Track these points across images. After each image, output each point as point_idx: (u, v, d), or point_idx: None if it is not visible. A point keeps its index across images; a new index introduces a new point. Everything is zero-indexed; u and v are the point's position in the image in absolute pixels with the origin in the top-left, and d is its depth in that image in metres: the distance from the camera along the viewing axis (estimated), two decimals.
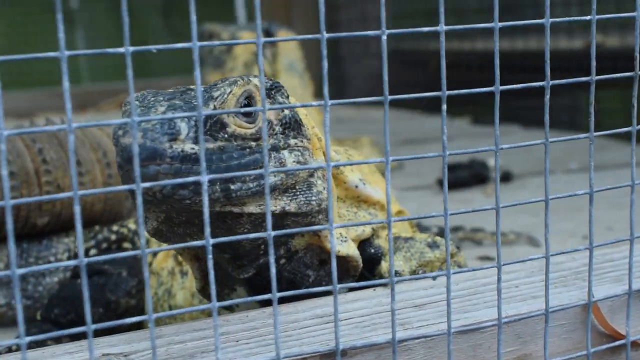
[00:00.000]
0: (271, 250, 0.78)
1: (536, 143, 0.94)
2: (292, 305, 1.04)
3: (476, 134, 3.43)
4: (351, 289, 1.11)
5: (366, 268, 1.16)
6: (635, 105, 0.95)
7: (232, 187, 0.92)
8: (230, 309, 1.15)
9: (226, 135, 0.93)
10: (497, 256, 0.88)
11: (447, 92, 0.86)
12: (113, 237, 1.51)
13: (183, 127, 0.90)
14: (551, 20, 0.90)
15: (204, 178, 0.75)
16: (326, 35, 0.81)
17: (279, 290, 1.03)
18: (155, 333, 0.96)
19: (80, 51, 0.75)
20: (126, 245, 1.50)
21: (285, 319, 0.99)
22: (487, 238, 1.88)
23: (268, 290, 1.05)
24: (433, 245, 1.21)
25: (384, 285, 1.08)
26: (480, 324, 0.94)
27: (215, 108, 0.94)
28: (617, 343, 0.99)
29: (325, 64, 0.79)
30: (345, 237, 1.10)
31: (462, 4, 4.45)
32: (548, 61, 0.89)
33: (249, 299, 0.83)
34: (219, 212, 0.94)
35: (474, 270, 0.91)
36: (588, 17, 0.92)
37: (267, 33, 2.73)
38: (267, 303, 1.06)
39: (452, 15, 4.48)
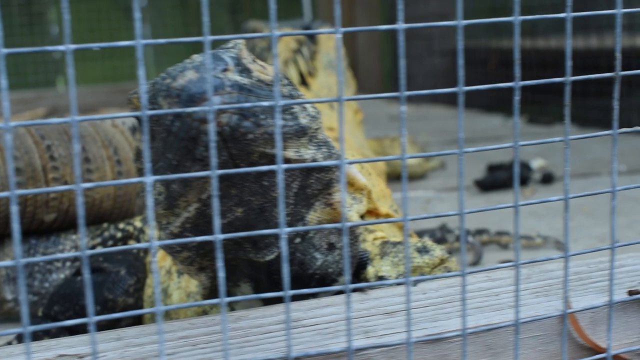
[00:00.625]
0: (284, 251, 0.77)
1: (555, 140, 0.91)
2: (261, 309, 1.01)
3: (530, 134, 3.36)
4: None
5: (352, 272, 1.14)
6: (617, 107, 0.90)
7: (280, 122, 0.92)
8: (231, 309, 1.14)
9: (253, 80, 0.93)
10: (462, 264, 0.84)
11: (464, 88, 0.84)
12: (119, 234, 1.51)
13: (229, 60, 0.92)
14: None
15: (277, 103, 0.76)
16: (342, 29, 0.79)
17: (292, 273, 1.04)
18: (117, 334, 0.96)
19: (83, 45, 0.74)
20: (131, 242, 1.49)
21: (250, 323, 0.97)
22: (512, 241, 1.83)
23: (273, 287, 1.04)
24: (422, 250, 1.17)
25: (361, 290, 1.06)
26: (444, 334, 0.90)
27: (237, 56, 0.95)
28: (597, 357, 0.94)
29: (341, 63, 0.76)
30: (350, 207, 1.11)
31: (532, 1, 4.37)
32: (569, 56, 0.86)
33: (250, 296, 0.82)
34: (266, 155, 0.93)
35: (436, 277, 0.88)
36: (562, 15, 0.88)
37: (307, 29, 2.71)
38: (271, 302, 1.05)
39: (522, 12, 4.40)
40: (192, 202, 0.95)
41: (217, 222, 0.78)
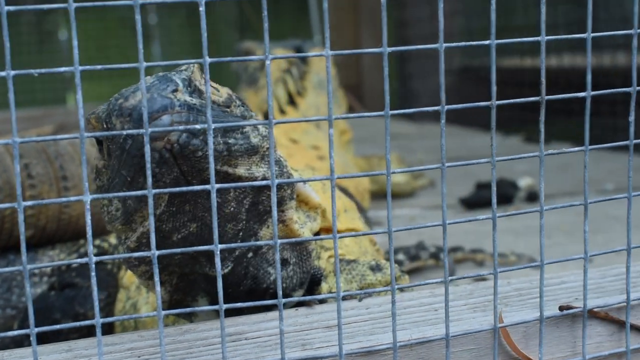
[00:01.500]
0: (277, 257, 0.81)
1: (530, 155, 0.96)
2: (209, 323, 1.06)
3: (525, 152, 3.38)
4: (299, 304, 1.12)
5: (306, 289, 1.17)
6: (542, 129, 0.95)
7: (230, 140, 0.97)
8: (189, 320, 1.17)
9: (203, 100, 0.97)
10: (392, 279, 0.88)
11: (446, 107, 0.89)
12: (95, 251, 1.55)
13: (179, 81, 0.96)
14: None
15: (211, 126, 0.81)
16: (331, 52, 0.84)
17: (244, 287, 1.09)
18: (68, 346, 1.00)
19: (90, 66, 0.79)
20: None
21: (196, 336, 1.01)
22: (487, 259, 1.86)
23: (228, 301, 1.08)
24: (376, 269, 1.21)
25: (308, 304, 1.10)
26: (376, 347, 0.94)
27: (188, 77, 0.99)
28: None
29: (330, 84, 0.81)
30: (303, 224, 1.13)
31: (534, 19, 4.40)
32: (544, 78, 0.90)
33: (189, 309, 0.89)
34: (217, 172, 0.97)
35: (367, 292, 0.91)
36: (538, 38, 0.92)
37: (299, 50, 2.76)
38: (229, 313, 1.09)
39: (523, 31, 4.45)
40: (147, 217, 0.99)
41: (152, 238, 0.82)
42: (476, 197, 2.46)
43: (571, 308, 1.00)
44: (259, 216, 1.05)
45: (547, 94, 0.92)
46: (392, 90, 5.62)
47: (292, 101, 2.40)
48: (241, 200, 1.02)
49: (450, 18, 5.08)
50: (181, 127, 0.90)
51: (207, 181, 0.95)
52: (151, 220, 0.81)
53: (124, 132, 0.81)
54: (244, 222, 1.04)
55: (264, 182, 0.84)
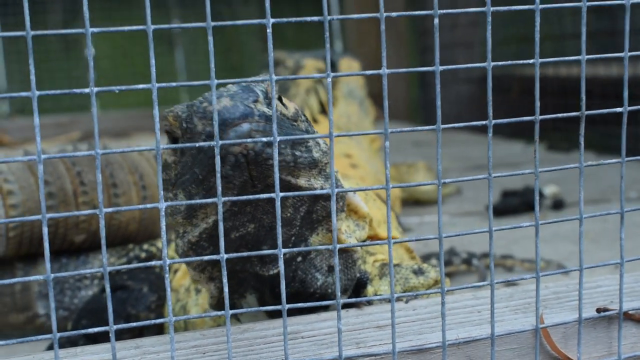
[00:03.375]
0: (336, 260, 0.88)
1: (571, 167, 1.02)
2: (266, 322, 1.13)
3: (549, 160, 3.44)
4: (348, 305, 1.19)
5: (352, 291, 1.24)
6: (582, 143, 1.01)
7: (296, 153, 1.05)
8: (237, 319, 1.24)
9: (277, 113, 1.06)
10: (442, 281, 0.95)
11: (494, 121, 0.95)
12: (143, 254, 1.62)
13: (259, 92, 1.04)
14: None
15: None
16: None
17: (291, 290, 1.15)
18: (135, 344, 1.07)
19: (106, 87, 0.85)
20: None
21: (255, 334, 1.08)
22: (516, 264, 1.92)
23: (275, 299, 1.15)
24: (418, 272, 1.28)
25: (357, 306, 1.17)
26: (426, 345, 1.01)
27: (265, 90, 1.06)
28: None
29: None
30: (352, 233, 1.20)
31: (558, 29, 4.45)
32: (583, 88, 0.96)
33: (255, 309, 0.97)
34: (281, 181, 1.03)
35: (419, 294, 0.98)
36: (579, 57, 0.98)
37: (331, 61, 2.82)
38: (276, 313, 1.16)
39: (548, 41, 4.50)
40: (211, 215, 1.07)
41: (222, 243, 0.89)
42: (503, 204, 2.53)
43: (607, 310, 1.07)
44: (311, 224, 1.12)
45: (569, 102, 0.98)
46: (414, 97, 5.66)
47: (323, 110, 2.46)
48: (298, 207, 1.09)
49: (472, 28, 5.13)
50: (263, 139, 0.97)
51: (270, 187, 1.02)
52: (220, 227, 0.88)
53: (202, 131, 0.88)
54: (297, 228, 1.11)
55: (324, 191, 0.90)
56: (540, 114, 0.96)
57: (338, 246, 0.92)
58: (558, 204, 2.56)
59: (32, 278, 0.85)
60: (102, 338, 1.43)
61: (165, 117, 1.10)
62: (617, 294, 1.15)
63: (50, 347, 1.52)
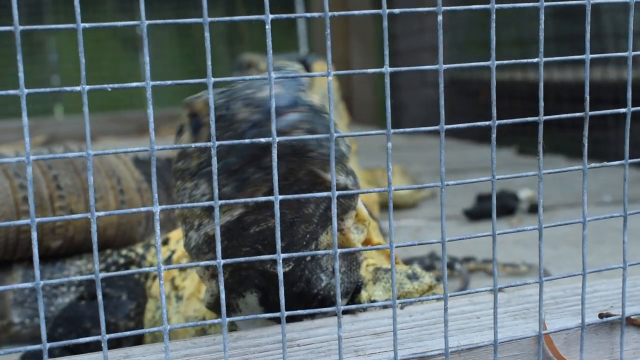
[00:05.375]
0: (337, 265, 0.84)
1: (575, 169, 0.99)
2: (258, 330, 1.09)
3: (520, 164, 3.44)
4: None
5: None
6: (586, 143, 0.98)
7: (336, 147, 0.99)
8: (232, 322, 1.20)
9: (318, 103, 1.00)
10: (444, 287, 0.92)
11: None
12: (121, 260, 1.58)
13: (304, 81, 0.99)
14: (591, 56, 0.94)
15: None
16: (390, 69, 0.86)
17: (296, 289, 1.12)
18: (125, 353, 1.03)
19: (98, 86, 0.81)
20: (133, 268, 1.57)
21: (249, 342, 1.04)
22: (498, 269, 1.90)
23: (277, 302, 1.11)
24: (412, 277, 1.25)
25: (352, 312, 1.14)
26: (428, 353, 0.98)
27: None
28: None
29: (332, 104, 0.83)
30: (355, 232, 1.16)
31: (525, 33, 4.46)
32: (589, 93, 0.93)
33: (252, 316, 0.93)
34: (310, 172, 1.00)
35: (420, 300, 0.95)
36: (583, 57, 0.96)
37: (303, 63, 2.79)
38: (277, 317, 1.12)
39: (510, 46, 4.51)
40: (237, 207, 1.01)
41: (218, 248, 0.85)
42: (479, 208, 2.51)
43: (610, 315, 1.04)
44: (325, 221, 1.08)
45: (533, 105, 0.95)
46: (381, 101, 5.66)
47: None
48: (319, 203, 1.05)
49: (437, 33, 5.12)
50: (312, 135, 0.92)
51: (299, 180, 0.98)
52: (217, 232, 0.84)
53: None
54: (314, 225, 1.07)
55: (323, 194, 0.87)
56: (509, 118, 0.93)
57: (339, 251, 0.89)
58: (534, 208, 2.55)
59: (21, 285, 0.81)
60: (81, 347, 1.38)
61: (190, 104, 1.05)
62: (615, 298, 1.13)
63: (24, 357, 1.47)
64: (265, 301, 1.13)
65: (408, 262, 1.87)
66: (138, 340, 1.45)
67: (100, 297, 0.82)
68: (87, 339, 0.85)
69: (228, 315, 1.19)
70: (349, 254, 1.17)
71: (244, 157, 0.96)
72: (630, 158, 1.00)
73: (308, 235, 1.07)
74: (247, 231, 1.03)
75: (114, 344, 1.37)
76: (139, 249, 1.59)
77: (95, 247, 0.81)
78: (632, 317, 1.06)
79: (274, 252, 1.06)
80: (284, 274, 1.08)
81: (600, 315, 1.05)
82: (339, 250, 0.89)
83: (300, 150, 0.96)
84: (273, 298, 1.11)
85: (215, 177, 0.83)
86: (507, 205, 2.53)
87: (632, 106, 0.99)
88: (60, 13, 6.01)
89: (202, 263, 0.88)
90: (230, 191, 0.99)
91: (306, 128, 0.95)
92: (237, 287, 1.13)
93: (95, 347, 1.35)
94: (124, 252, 1.60)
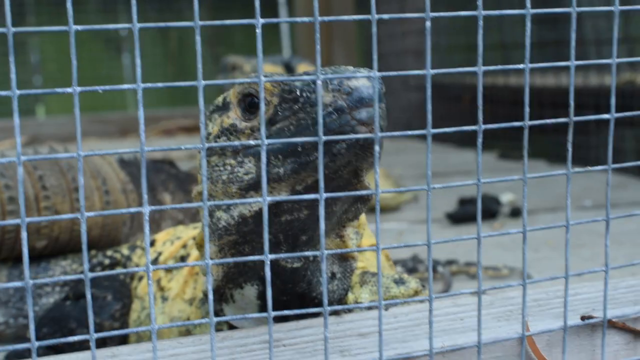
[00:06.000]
0: (324, 267, 0.85)
1: (559, 173, 1.00)
2: (245, 330, 1.10)
3: (501, 169, 3.46)
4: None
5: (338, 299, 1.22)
6: (570, 149, 1.00)
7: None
8: (222, 314, 1.20)
9: None
10: (429, 290, 0.93)
11: (484, 126, 0.92)
12: (107, 261, 1.58)
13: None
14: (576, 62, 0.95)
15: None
16: (378, 74, 0.87)
17: (298, 290, 1.12)
18: (112, 352, 1.04)
19: (90, 87, 0.82)
20: (118, 269, 1.57)
21: (235, 342, 1.05)
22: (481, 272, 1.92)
23: (280, 294, 1.12)
24: (399, 282, 1.26)
25: (338, 314, 1.15)
26: (413, 354, 0.99)
27: None
28: None
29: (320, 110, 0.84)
30: (354, 238, 1.16)
31: (508, 37, 4.48)
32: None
33: (240, 317, 0.95)
34: (354, 171, 1.02)
35: (405, 302, 0.96)
36: (568, 63, 0.97)
37: (287, 66, 2.80)
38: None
39: (492, 50, 4.54)
40: (282, 191, 1.01)
41: (207, 247, 0.86)
42: (461, 212, 2.53)
43: (592, 318, 1.06)
44: (336, 224, 1.10)
45: (519, 111, 0.96)
46: None
47: None
48: (344, 204, 1.06)
49: (422, 36, 5.14)
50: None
51: (341, 176, 1.00)
52: (206, 232, 0.85)
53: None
54: (332, 224, 1.09)
55: (313, 196, 0.87)
56: (490, 123, 0.95)
57: (325, 252, 0.90)
58: (515, 212, 2.57)
59: (10, 285, 0.81)
60: (66, 347, 1.38)
61: (249, 84, 1.04)
62: (597, 301, 1.15)
63: (8, 357, 1.47)
64: (264, 295, 1.13)
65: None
66: (123, 341, 1.45)
67: (89, 296, 0.82)
68: (75, 338, 0.85)
69: (219, 306, 1.19)
70: (345, 260, 1.18)
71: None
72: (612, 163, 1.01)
73: (326, 232, 1.06)
74: (279, 218, 1.03)
75: (99, 344, 1.37)
76: (125, 250, 1.60)
77: (84, 247, 0.81)
78: (613, 319, 1.08)
79: (294, 243, 1.07)
80: (292, 270, 1.09)
81: (582, 318, 1.06)
82: (326, 252, 0.90)
83: (368, 146, 0.97)
84: (274, 293, 1.10)
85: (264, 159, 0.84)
86: (490, 209, 2.55)
87: (618, 115, 1.00)
88: (43, 14, 6.00)
89: (190, 264, 0.89)
90: (283, 173, 0.99)
91: (380, 125, 0.96)
92: (238, 277, 1.14)
93: (80, 347, 1.35)
94: (109, 253, 1.60)
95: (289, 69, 2.77)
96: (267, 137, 1.00)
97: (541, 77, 4.08)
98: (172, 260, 1.43)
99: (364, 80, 0.96)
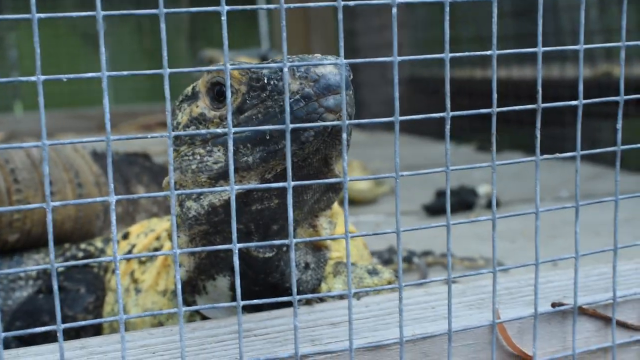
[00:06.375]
0: (292, 255, 0.84)
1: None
2: (216, 321, 1.09)
3: (478, 160, 3.46)
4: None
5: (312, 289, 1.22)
6: (538, 136, 1.00)
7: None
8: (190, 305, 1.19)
9: None
10: (399, 278, 0.93)
11: (451, 114, 0.92)
12: (80, 254, 1.57)
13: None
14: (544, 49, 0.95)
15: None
16: (345, 61, 0.86)
17: (271, 280, 1.12)
18: (81, 344, 1.03)
19: (53, 76, 0.81)
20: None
21: (206, 333, 1.04)
22: (456, 263, 1.92)
23: (253, 285, 1.11)
24: (372, 272, 1.25)
25: (310, 304, 1.15)
26: (383, 342, 0.99)
27: None
28: None
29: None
30: (327, 227, 1.16)
31: (485, 31, 4.49)
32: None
33: (209, 306, 0.93)
34: (323, 159, 1.01)
35: (375, 290, 0.95)
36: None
37: (264, 59, 2.80)
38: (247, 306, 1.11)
39: (473, 43, 4.54)
40: (251, 180, 1.00)
41: (174, 238, 0.85)
42: (438, 203, 2.53)
43: (562, 305, 1.06)
44: (307, 213, 1.10)
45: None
46: None
47: None
48: (314, 193, 1.06)
49: (399, 30, 5.15)
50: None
51: (310, 163, 0.99)
52: (173, 221, 0.84)
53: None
54: (303, 214, 1.08)
55: (279, 184, 0.87)
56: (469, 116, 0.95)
57: (294, 241, 0.89)
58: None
59: None
60: (39, 340, 1.37)
61: (211, 73, 1.04)
62: (568, 288, 1.15)
63: None
64: (234, 287, 1.12)
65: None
66: (97, 333, 1.44)
67: (55, 287, 0.81)
68: (43, 329, 0.84)
69: (192, 298, 1.19)
70: (319, 250, 1.18)
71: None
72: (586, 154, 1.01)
73: (294, 224, 1.06)
74: (249, 207, 1.02)
75: (72, 336, 1.36)
76: (99, 243, 1.59)
77: (50, 237, 0.80)
78: (584, 306, 1.08)
79: (266, 233, 1.06)
80: (264, 260, 1.09)
81: (553, 305, 1.06)
82: (294, 240, 0.89)
83: (336, 133, 0.97)
84: (246, 284, 1.09)
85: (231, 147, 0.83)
86: (467, 201, 2.56)
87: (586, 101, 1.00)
88: (20, 10, 5.96)
89: (159, 253, 0.88)
90: (252, 161, 0.98)
91: (349, 113, 0.96)
92: (210, 268, 1.13)
93: (53, 339, 1.34)
94: (82, 246, 1.59)
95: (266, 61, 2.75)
96: (236, 126, 0.99)
97: (519, 69, 4.09)
98: (146, 252, 1.42)
99: (331, 68, 0.96)
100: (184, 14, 0.99)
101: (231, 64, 0.98)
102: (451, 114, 0.94)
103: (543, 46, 0.98)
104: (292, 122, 0.93)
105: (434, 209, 2.50)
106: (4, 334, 0.83)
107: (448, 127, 0.93)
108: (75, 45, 6.14)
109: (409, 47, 5.15)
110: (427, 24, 5.13)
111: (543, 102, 0.98)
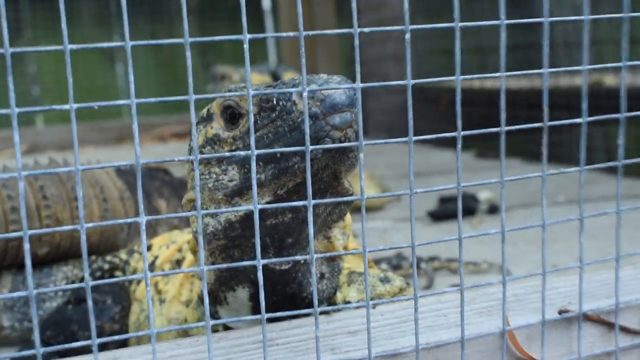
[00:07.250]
0: (313, 270, 0.84)
1: (492, 182, 1.00)
2: (240, 331, 1.09)
3: (478, 168, 3.47)
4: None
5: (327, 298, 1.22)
6: (546, 153, 0.99)
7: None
8: (213, 317, 1.19)
9: None
10: (414, 288, 0.93)
11: (463, 133, 0.92)
12: (106, 266, 1.57)
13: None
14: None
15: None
16: (361, 85, 0.86)
17: (289, 290, 1.12)
18: (114, 355, 1.03)
19: (85, 104, 0.81)
20: (117, 273, 1.56)
21: (231, 343, 1.04)
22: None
23: (271, 296, 1.11)
24: (384, 280, 1.26)
25: (327, 313, 1.15)
26: (400, 350, 0.99)
27: None
28: None
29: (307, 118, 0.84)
30: (341, 238, 1.16)
31: (485, 42, 4.49)
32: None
33: (236, 319, 0.91)
34: (336, 171, 1.01)
35: (392, 301, 0.96)
36: (497, 75, 0.97)
37: (274, 75, 2.80)
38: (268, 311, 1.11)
39: (470, 54, 4.54)
40: (265, 196, 1.00)
41: (201, 253, 0.85)
42: (442, 210, 2.53)
43: (568, 312, 1.06)
44: (321, 226, 1.10)
45: (494, 113, 0.97)
46: None
47: None
48: (327, 207, 1.06)
49: (402, 42, 5.15)
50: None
51: (320, 179, 0.99)
52: (200, 240, 0.84)
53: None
54: (318, 226, 1.08)
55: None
56: (467, 124, 0.95)
57: (315, 256, 0.89)
58: (493, 209, 2.57)
59: (15, 294, 0.80)
60: (70, 351, 1.38)
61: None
62: (572, 295, 1.15)
63: None
64: (256, 297, 1.13)
65: (376, 262, 1.88)
66: (123, 343, 1.44)
67: (90, 303, 0.82)
68: (79, 344, 0.85)
69: (213, 308, 1.19)
70: (332, 261, 1.18)
71: (290, 146, 0.96)
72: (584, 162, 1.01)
73: (308, 238, 1.07)
74: (264, 222, 1.02)
75: (100, 347, 1.36)
76: (123, 255, 1.59)
77: (85, 256, 0.81)
78: (589, 313, 1.08)
79: (281, 246, 1.07)
80: (280, 272, 1.09)
81: (560, 312, 1.06)
82: (315, 256, 0.89)
83: (345, 149, 0.97)
84: (265, 295, 1.09)
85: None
86: (468, 206, 2.56)
87: (590, 118, 1.00)
88: (40, 28, 5.98)
89: (187, 270, 0.88)
90: (264, 178, 0.99)
91: (355, 129, 0.96)
92: (230, 280, 1.13)
93: (82, 349, 1.34)
94: (108, 258, 1.59)
95: (276, 77, 2.77)
96: (247, 146, 1.01)
97: (515, 79, 4.09)
98: (168, 264, 1.42)
99: (338, 91, 0.96)
100: (193, 29, 0.99)
101: (253, 89, 0.99)
102: (462, 133, 0.94)
103: (536, 57, 0.98)
104: (300, 140, 0.96)
105: (438, 215, 2.50)
106: (42, 349, 0.84)
107: (459, 146, 0.93)
108: (93, 60, 6.15)
109: (410, 60, 5.14)
110: (428, 36, 5.13)
111: (531, 110, 0.98)
